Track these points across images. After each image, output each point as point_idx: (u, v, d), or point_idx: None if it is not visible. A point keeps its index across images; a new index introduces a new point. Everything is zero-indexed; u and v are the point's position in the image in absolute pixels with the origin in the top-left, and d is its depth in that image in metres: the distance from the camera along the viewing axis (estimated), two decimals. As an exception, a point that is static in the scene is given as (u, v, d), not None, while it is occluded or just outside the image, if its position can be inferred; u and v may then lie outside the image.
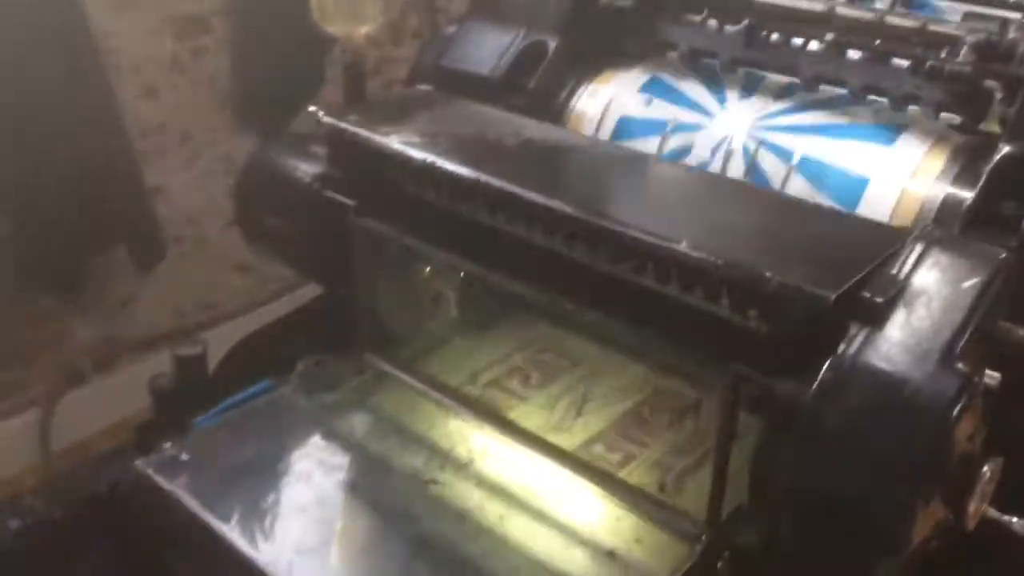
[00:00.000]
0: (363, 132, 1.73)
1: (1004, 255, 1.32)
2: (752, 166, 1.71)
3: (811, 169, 1.67)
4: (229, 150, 3.32)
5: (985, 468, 1.28)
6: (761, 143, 1.72)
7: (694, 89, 1.87)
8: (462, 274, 1.88)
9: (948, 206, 1.54)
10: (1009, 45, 1.61)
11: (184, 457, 1.68)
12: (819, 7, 1.78)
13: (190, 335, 2.50)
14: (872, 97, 1.73)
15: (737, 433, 1.40)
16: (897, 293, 1.26)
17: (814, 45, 1.80)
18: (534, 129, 1.78)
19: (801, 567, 1.40)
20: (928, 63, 1.64)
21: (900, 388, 1.20)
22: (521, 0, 2.06)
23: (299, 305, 2.19)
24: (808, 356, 1.27)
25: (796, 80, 1.80)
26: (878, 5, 1.84)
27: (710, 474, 1.45)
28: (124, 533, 1.71)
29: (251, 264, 3.53)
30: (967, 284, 1.26)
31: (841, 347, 1.26)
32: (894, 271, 1.29)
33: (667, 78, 1.91)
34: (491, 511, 1.59)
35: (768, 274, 1.28)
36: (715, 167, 1.74)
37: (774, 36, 1.84)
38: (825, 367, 1.25)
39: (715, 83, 1.87)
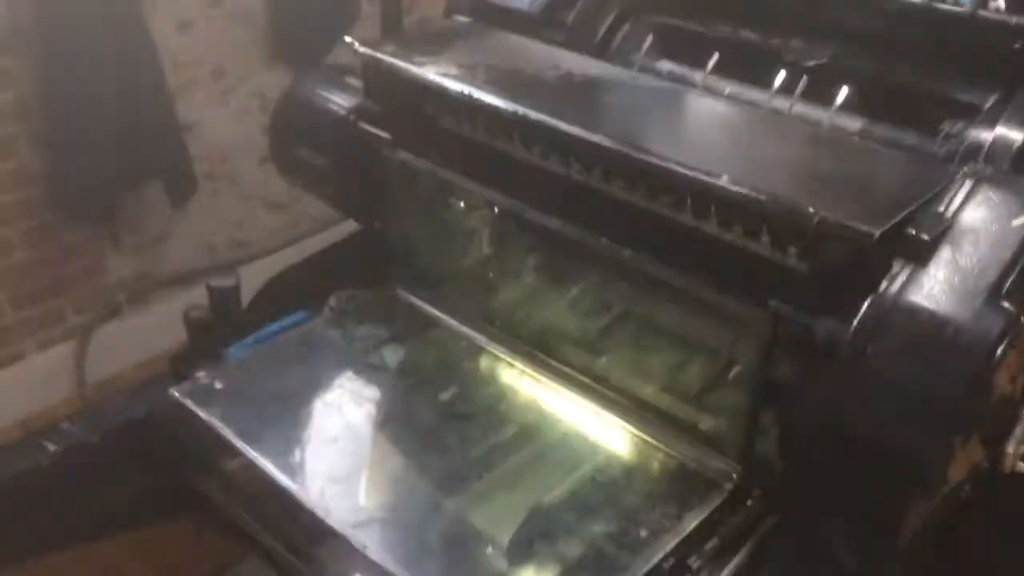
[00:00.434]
0: (400, 63, 1.70)
1: (1055, 193, 1.29)
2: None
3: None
4: (263, 86, 3.29)
5: (1025, 411, 1.26)
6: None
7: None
8: (496, 210, 1.86)
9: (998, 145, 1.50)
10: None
11: (218, 386, 1.70)
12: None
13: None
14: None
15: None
16: (944, 230, 1.24)
17: None
18: (573, 62, 1.75)
19: (830, 507, 1.39)
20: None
21: (943, 327, 1.18)
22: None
23: (333, 242, 2.20)
24: (849, 295, 1.25)
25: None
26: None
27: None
28: (158, 459, 1.73)
29: (284, 203, 3.53)
30: (1017, 222, 1.23)
31: (883, 285, 1.24)
32: (941, 208, 1.26)
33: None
34: (519, 444, 1.59)
35: (811, 210, 1.25)
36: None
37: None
38: (866, 305, 1.23)
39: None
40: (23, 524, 1.68)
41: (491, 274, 1.96)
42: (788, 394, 1.36)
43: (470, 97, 1.59)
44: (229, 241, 3.49)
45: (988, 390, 1.18)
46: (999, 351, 1.15)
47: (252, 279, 2.14)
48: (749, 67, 1.72)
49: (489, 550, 1.40)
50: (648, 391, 1.65)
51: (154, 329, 3.00)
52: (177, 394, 1.67)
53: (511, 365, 1.76)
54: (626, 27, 1.94)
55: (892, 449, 1.21)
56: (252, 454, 1.55)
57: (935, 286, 1.21)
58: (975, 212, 1.26)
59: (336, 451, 1.59)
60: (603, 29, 1.94)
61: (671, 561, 1.36)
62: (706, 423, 1.58)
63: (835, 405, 1.25)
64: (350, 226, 2.17)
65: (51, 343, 3.09)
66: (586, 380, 1.70)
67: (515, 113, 1.54)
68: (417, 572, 1.35)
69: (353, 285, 1.97)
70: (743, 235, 1.37)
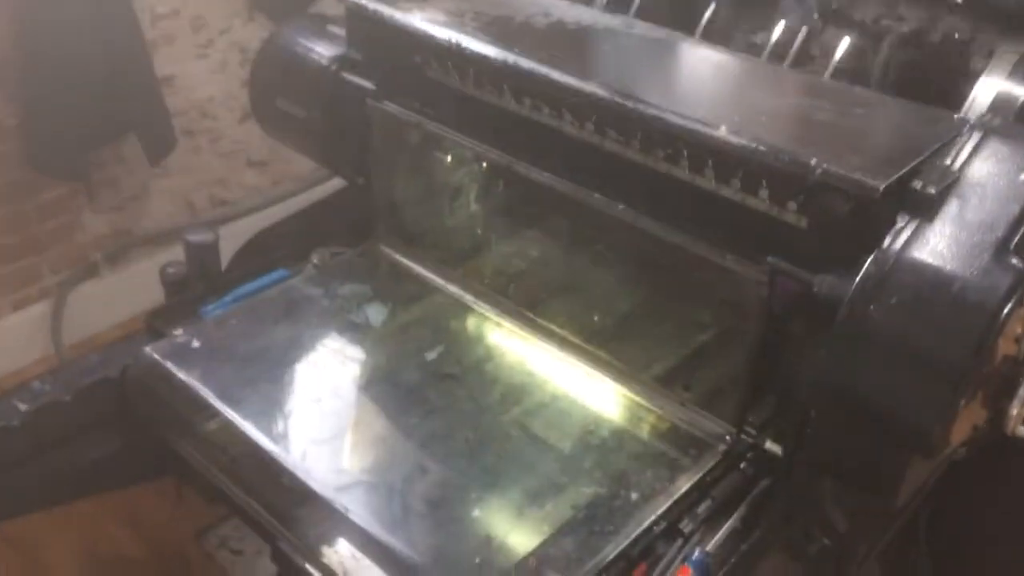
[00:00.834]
0: (385, 9, 1.64)
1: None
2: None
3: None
4: (245, 38, 3.21)
5: (1031, 371, 1.22)
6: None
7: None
8: (484, 165, 1.81)
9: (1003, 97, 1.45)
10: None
11: (195, 344, 1.64)
12: None
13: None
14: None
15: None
16: (950, 184, 1.19)
17: None
18: (565, 10, 1.68)
19: (826, 468, 1.36)
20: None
21: (948, 283, 1.14)
22: None
23: (316, 200, 2.14)
24: (851, 250, 1.21)
25: None
26: None
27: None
28: (134, 419, 1.68)
29: (266, 160, 3.46)
30: (1027, 175, 1.19)
31: (887, 241, 1.19)
32: (948, 161, 1.22)
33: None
34: (507, 405, 1.55)
35: (812, 162, 1.21)
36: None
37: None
38: (868, 261, 1.19)
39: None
40: (-4, 484, 1.63)
41: (478, 231, 1.91)
42: (786, 353, 1.32)
43: (458, 46, 1.53)
44: (210, 199, 3.41)
45: (994, 347, 1.14)
46: (1007, 309, 1.11)
47: (233, 239, 2.08)
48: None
49: (475, 513, 1.36)
50: (640, 351, 1.61)
51: (132, 289, 2.94)
52: (152, 352, 1.61)
53: (499, 324, 1.72)
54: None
55: (894, 409, 1.17)
56: (231, 415, 1.50)
57: (940, 242, 1.17)
58: (983, 165, 1.21)
59: (318, 412, 1.54)
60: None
61: (662, 524, 1.33)
62: (700, 384, 1.54)
63: (835, 364, 1.21)
64: (335, 184, 2.11)
65: (26, 303, 3.03)
66: (576, 340, 1.65)
67: (505, 62, 1.48)
68: (401, 535, 1.31)
69: (337, 243, 1.91)
70: (741, 189, 1.31)
